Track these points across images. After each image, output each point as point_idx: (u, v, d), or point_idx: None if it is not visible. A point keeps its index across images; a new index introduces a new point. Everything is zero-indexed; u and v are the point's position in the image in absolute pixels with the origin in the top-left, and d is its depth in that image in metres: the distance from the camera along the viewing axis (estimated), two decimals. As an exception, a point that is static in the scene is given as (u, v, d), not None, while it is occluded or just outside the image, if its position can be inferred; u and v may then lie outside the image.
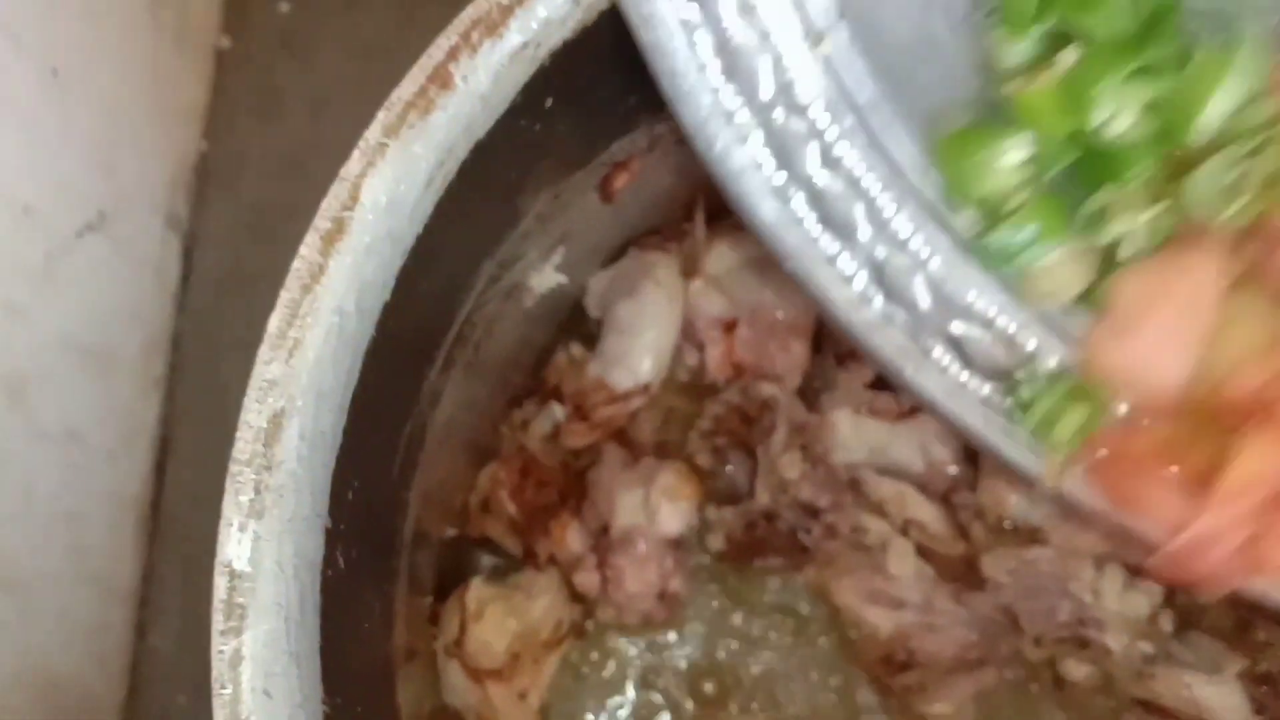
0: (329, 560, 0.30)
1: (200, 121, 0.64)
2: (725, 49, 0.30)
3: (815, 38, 0.30)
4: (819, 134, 0.31)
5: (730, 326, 0.47)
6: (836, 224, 0.32)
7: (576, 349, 0.49)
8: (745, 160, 0.31)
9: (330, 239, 0.29)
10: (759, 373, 0.47)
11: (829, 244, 0.33)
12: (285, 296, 0.29)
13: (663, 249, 0.48)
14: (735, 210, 0.32)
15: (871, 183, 0.32)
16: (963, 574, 0.45)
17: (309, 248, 0.29)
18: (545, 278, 0.45)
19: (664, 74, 0.30)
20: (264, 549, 0.28)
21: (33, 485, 0.51)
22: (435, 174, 0.31)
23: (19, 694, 0.51)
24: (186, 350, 0.63)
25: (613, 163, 0.43)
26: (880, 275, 0.33)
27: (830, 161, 0.31)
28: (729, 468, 0.48)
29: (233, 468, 0.28)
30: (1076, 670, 0.44)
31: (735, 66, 0.30)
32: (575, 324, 0.50)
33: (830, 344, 0.48)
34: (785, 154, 0.31)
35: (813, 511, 0.46)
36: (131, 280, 0.59)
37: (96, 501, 0.56)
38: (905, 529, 0.45)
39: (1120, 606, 0.42)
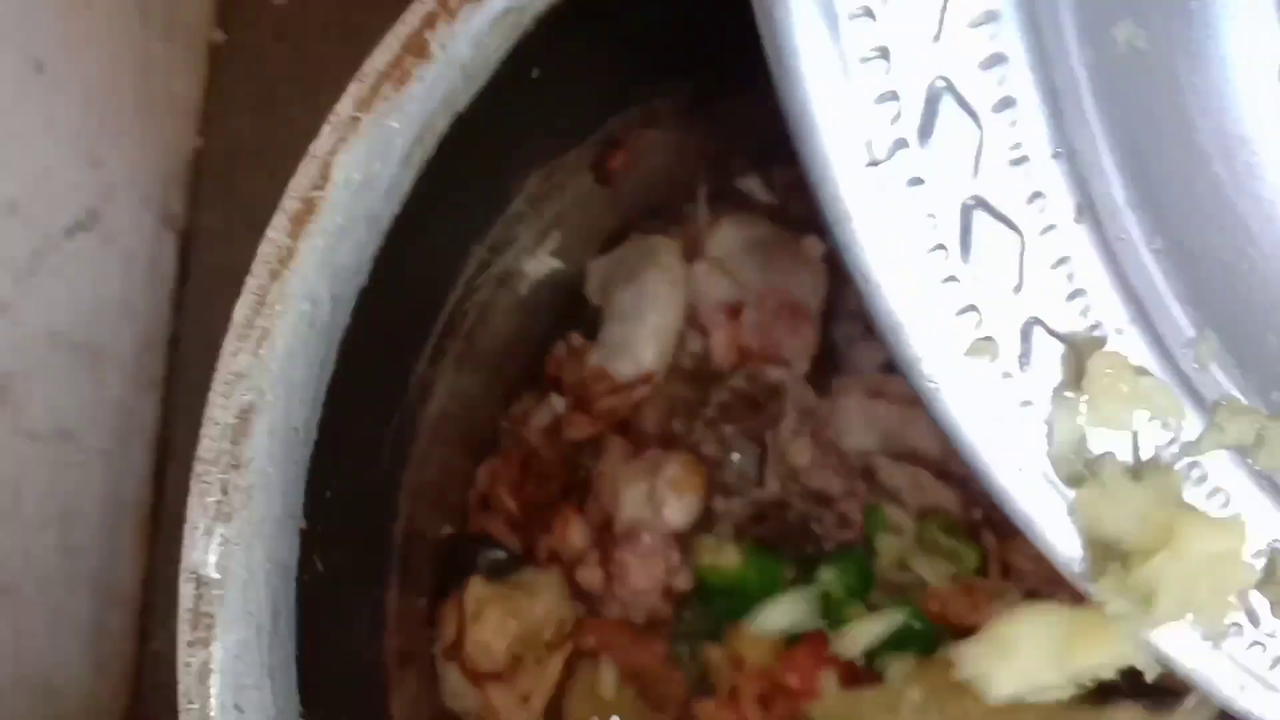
0: (305, 564, 0.28)
1: (194, 117, 0.63)
2: None
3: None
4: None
5: (735, 310, 0.46)
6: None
7: (576, 338, 0.47)
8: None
9: (299, 220, 0.28)
10: (766, 357, 0.46)
11: None
12: (252, 283, 0.27)
13: (664, 232, 0.47)
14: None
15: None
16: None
17: (276, 230, 0.27)
18: (540, 263, 0.44)
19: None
20: (232, 554, 0.26)
21: (21, 485, 0.50)
22: (413, 150, 0.29)
23: (17, 699, 0.50)
24: (185, 350, 0.61)
25: (608, 141, 0.41)
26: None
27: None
28: (736, 457, 0.46)
29: (197, 467, 0.26)
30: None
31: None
32: (574, 312, 0.48)
33: (840, 326, 0.46)
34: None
35: (824, 500, 0.44)
36: (125, 279, 0.57)
37: (92, 503, 0.55)
38: (922, 516, 0.44)
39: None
